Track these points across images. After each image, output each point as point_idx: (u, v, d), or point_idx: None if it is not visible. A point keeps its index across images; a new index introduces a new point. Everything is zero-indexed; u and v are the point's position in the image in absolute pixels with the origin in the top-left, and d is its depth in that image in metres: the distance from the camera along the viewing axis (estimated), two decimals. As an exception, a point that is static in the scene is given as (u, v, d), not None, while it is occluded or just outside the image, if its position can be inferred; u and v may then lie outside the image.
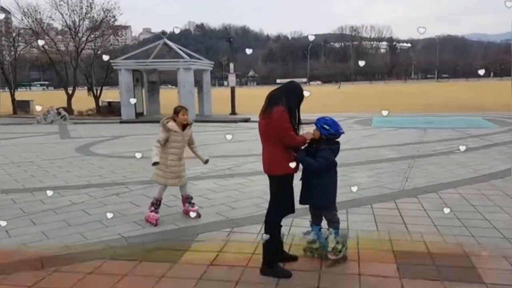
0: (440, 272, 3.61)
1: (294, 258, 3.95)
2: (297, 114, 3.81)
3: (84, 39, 25.23)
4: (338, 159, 4.00)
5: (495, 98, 30.76)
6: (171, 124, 4.91)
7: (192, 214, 5.02)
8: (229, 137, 12.02)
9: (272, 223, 3.92)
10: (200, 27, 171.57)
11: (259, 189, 6.22)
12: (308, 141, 3.95)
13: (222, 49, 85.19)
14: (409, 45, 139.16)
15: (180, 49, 21.78)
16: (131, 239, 4.51)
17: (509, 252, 4.03)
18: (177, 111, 4.98)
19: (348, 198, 5.75)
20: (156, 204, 5.05)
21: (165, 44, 22.38)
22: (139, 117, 21.01)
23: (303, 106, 3.83)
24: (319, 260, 3.88)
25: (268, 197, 3.82)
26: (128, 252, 4.20)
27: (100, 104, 25.12)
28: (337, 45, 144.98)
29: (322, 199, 3.97)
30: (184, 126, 4.99)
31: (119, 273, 3.71)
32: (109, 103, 24.64)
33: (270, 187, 3.90)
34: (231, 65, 23.36)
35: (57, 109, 21.11)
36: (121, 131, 16.26)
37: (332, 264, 3.81)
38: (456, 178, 7.02)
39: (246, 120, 18.98)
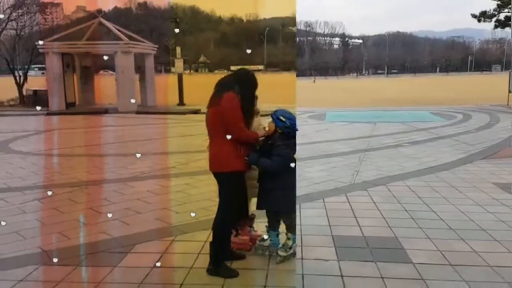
0: (373, 253, 4.14)
1: (241, 257, 4.02)
2: (250, 105, 3.72)
3: (5, 17, 23.74)
4: (292, 154, 3.97)
5: (441, 92, 33.24)
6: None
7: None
8: None
9: (221, 231, 3.80)
10: (143, 5, 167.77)
11: (209, 190, 6.00)
12: (261, 138, 3.86)
13: (169, 31, 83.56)
14: (360, 41, 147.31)
15: (118, 29, 21.09)
16: (54, 253, 4.22)
17: (433, 233, 4.60)
18: None
19: (302, 193, 6.01)
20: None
21: (100, 24, 21.59)
22: (70, 108, 20.20)
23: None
24: (267, 257, 4.03)
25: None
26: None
27: (25, 93, 23.84)
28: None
29: (282, 204, 3.89)
30: None
31: (53, 280, 3.68)
32: (35, 91, 23.45)
33: (218, 188, 3.79)
34: (178, 49, 22.91)
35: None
36: (48, 124, 15.57)
37: (282, 260, 3.93)
38: (404, 171, 7.59)
39: (196, 112, 18.61)
